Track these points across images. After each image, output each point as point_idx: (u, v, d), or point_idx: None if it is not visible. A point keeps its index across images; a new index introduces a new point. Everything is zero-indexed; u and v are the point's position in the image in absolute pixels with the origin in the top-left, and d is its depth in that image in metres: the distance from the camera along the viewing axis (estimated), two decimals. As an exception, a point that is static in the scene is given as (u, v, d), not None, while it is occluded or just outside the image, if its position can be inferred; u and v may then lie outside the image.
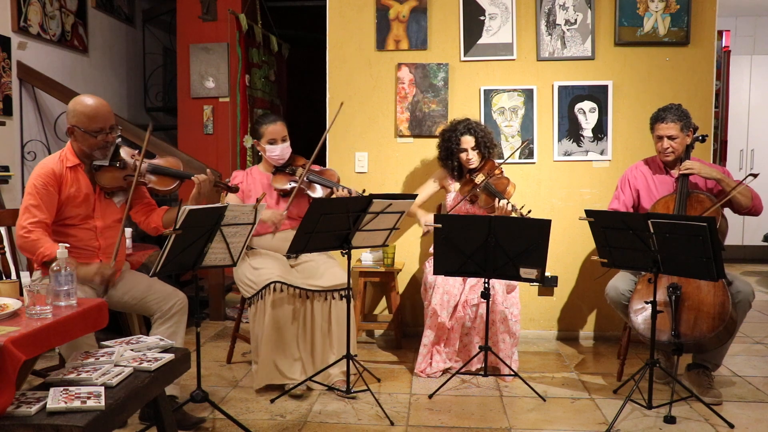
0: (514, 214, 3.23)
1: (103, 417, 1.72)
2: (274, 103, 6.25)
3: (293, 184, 3.22)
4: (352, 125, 4.01)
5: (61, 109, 4.65)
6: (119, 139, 2.74)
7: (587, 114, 3.90)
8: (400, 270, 3.96)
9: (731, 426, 2.66)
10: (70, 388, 1.81)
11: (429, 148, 3.87)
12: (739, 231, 6.53)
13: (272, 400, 2.94)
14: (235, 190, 2.94)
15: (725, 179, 3.05)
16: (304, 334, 3.05)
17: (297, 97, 7.25)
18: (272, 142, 3.24)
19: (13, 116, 4.38)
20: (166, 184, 2.79)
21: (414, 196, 3.09)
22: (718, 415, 2.72)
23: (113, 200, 2.76)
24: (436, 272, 3.09)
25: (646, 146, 3.67)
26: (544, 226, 2.87)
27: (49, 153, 4.44)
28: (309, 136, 5.96)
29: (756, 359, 3.61)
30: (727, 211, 3.14)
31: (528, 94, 3.91)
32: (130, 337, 2.28)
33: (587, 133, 3.91)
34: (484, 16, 3.90)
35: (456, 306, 3.26)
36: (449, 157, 3.52)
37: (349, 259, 2.96)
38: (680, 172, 3.09)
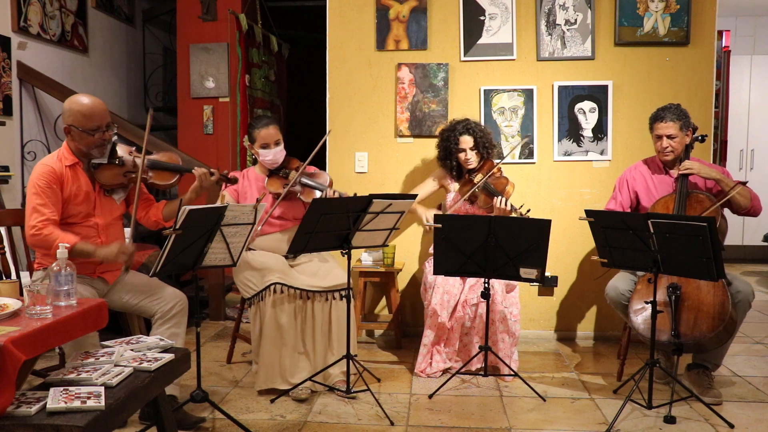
0: (513, 214, 3.23)
1: (103, 417, 1.72)
2: (274, 103, 6.25)
3: (286, 188, 3.21)
4: (352, 125, 4.01)
5: (61, 109, 4.63)
6: (115, 137, 2.74)
7: (587, 114, 3.90)
8: (400, 270, 3.95)
9: (731, 426, 2.66)
10: (70, 388, 1.81)
11: (429, 148, 3.87)
12: (739, 231, 6.53)
13: (272, 400, 2.94)
14: (234, 181, 2.95)
15: (724, 179, 3.05)
16: (304, 335, 3.05)
17: (297, 97, 7.25)
18: (265, 146, 3.22)
19: (13, 116, 4.38)
20: (165, 179, 2.80)
21: (414, 196, 3.10)
22: (718, 415, 2.72)
23: (113, 197, 2.77)
24: (436, 272, 3.09)
25: (646, 146, 3.67)
26: (544, 226, 2.87)
27: (49, 153, 4.44)
28: (309, 135, 5.97)
29: (756, 359, 3.61)
30: (726, 212, 3.14)
31: (528, 94, 3.91)
32: (130, 337, 2.28)
33: (587, 133, 3.91)
34: (484, 16, 3.90)
35: (456, 306, 3.26)
36: (448, 157, 3.53)
37: (349, 259, 2.96)
38: (679, 172, 3.09)
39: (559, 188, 3.95)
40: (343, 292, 3.07)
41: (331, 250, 3.03)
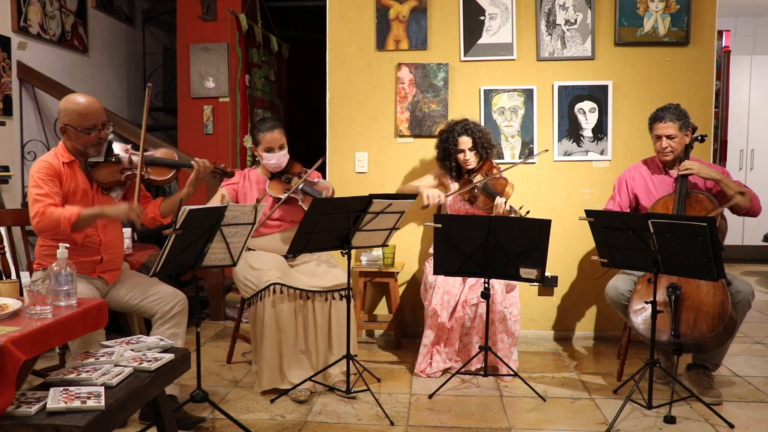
0: (512, 215, 3.23)
1: (103, 417, 1.72)
2: (274, 103, 6.25)
3: (287, 194, 3.20)
4: (352, 125, 4.01)
5: (61, 109, 4.65)
6: (111, 135, 2.75)
7: (587, 114, 3.90)
8: (400, 270, 3.95)
9: (731, 426, 2.66)
10: (70, 388, 1.81)
11: (429, 148, 3.87)
12: (739, 231, 6.53)
13: (272, 400, 2.94)
14: (231, 174, 2.94)
15: (724, 180, 3.05)
16: (305, 335, 3.05)
17: (297, 97, 7.25)
18: (269, 150, 3.21)
19: (13, 116, 4.38)
20: (162, 174, 2.80)
21: (414, 197, 3.10)
22: (718, 415, 2.72)
23: (111, 195, 2.77)
24: (436, 272, 3.09)
25: (646, 146, 3.67)
26: (544, 226, 2.87)
27: (49, 153, 4.44)
28: (309, 135, 5.97)
29: (756, 359, 3.61)
30: (726, 212, 3.14)
31: (528, 94, 3.91)
32: (130, 337, 2.28)
33: (587, 133, 3.91)
34: (484, 16, 3.90)
35: (456, 306, 3.26)
36: (447, 158, 3.53)
37: (349, 259, 2.96)
38: (679, 173, 3.09)
39: (559, 188, 3.95)
40: (343, 292, 3.07)
41: (331, 250, 3.03)
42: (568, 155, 3.93)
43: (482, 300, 3.14)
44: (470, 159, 3.46)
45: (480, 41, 3.91)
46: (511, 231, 2.92)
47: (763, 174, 6.47)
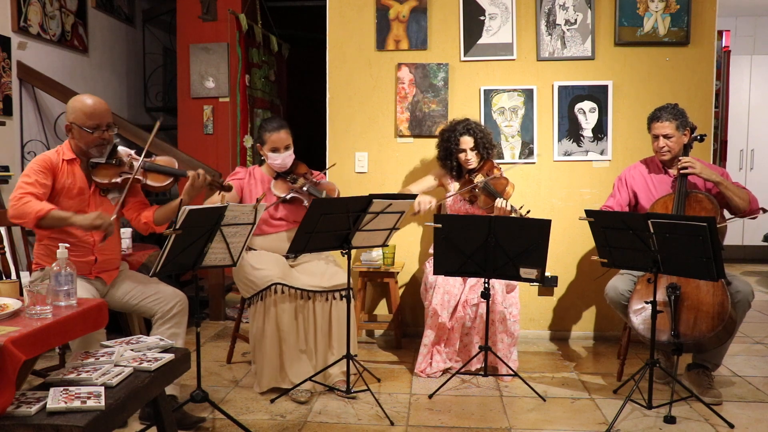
0: (513, 215, 3.23)
1: (103, 417, 1.72)
2: (274, 103, 6.25)
3: (292, 194, 3.20)
4: (352, 125, 4.01)
5: (61, 109, 4.65)
6: (117, 139, 2.76)
7: (587, 114, 3.90)
8: (400, 270, 3.95)
9: (731, 426, 2.66)
10: (70, 388, 1.81)
11: (429, 148, 3.87)
12: (739, 231, 6.53)
13: (272, 400, 2.94)
14: (228, 189, 2.90)
15: (724, 182, 3.05)
16: (305, 335, 3.05)
17: (297, 97, 7.26)
18: (275, 150, 3.21)
19: (13, 116, 4.38)
20: (159, 181, 2.80)
21: (414, 196, 3.10)
22: (718, 415, 2.72)
23: (108, 197, 2.78)
24: (436, 272, 3.09)
25: (646, 146, 3.66)
26: (544, 226, 2.87)
27: (49, 153, 4.44)
28: (309, 135, 5.97)
29: (756, 359, 3.61)
30: (726, 212, 3.14)
31: (528, 94, 3.91)
32: (130, 337, 2.28)
33: (587, 133, 3.91)
34: (484, 16, 3.90)
35: (456, 306, 3.26)
36: (448, 157, 3.53)
37: (349, 259, 2.96)
38: (679, 166, 3.08)
39: (559, 188, 3.95)
40: (343, 292, 3.07)
41: (331, 250, 3.03)
42: (568, 155, 3.93)
43: (482, 300, 3.14)
44: (471, 159, 3.46)
45: (480, 41, 3.91)
46: (511, 231, 2.92)
47: (763, 174, 6.47)
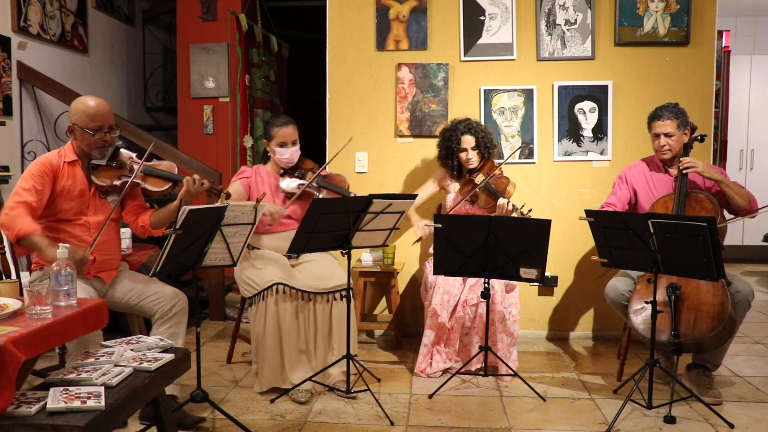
0: (514, 214, 3.23)
1: (103, 417, 1.72)
2: (274, 103, 6.25)
3: (302, 187, 3.21)
4: (352, 125, 4.01)
5: (61, 109, 4.66)
6: (119, 142, 2.77)
7: (587, 114, 3.90)
8: (400, 270, 3.95)
9: (731, 426, 2.66)
10: (70, 388, 1.81)
11: (429, 148, 3.87)
12: (739, 231, 6.53)
13: (272, 400, 2.94)
14: (228, 195, 2.88)
15: (725, 181, 3.05)
16: (305, 335, 3.05)
17: (297, 97, 7.25)
18: (283, 145, 3.24)
19: (13, 116, 4.38)
20: (158, 186, 2.81)
21: (414, 196, 3.10)
22: (718, 415, 2.72)
23: (107, 200, 2.78)
24: (436, 272, 3.09)
25: (646, 146, 3.66)
26: (544, 226, 2.87)
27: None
28: (309, 135, 5.96)
29: (756, 359, 3.61)
30: (725, 212, 3.14)
31: (528, 94, 3.91)
32: (130, 337, 2.28)
33: (587, 133, 3.91)
34: (484, 16, 3.90)
35: (456, 306, 3.26)
36: (449, 157, 3.52)
37: (349, 259, 2.96)
38: (681, 167, 3.08)
39: (559, 188, 3.95)
40: (343, 292, 3.07)
41: (331, 250, 3.03)
42: (568, 155, 3.93)
43: (482, 300, 3.14)
44: (472, 158, 3.46)
45: (480, 41, 3.91)
46: (511, 231, 2.92)
47: (763, 174, 6.47)
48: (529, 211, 3.20)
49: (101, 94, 5.34)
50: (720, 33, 6.20)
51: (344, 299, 3.06)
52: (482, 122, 3.85)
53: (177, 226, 2.32)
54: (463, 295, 3.28)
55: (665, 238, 2.55)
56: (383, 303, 4.14)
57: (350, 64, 4.00)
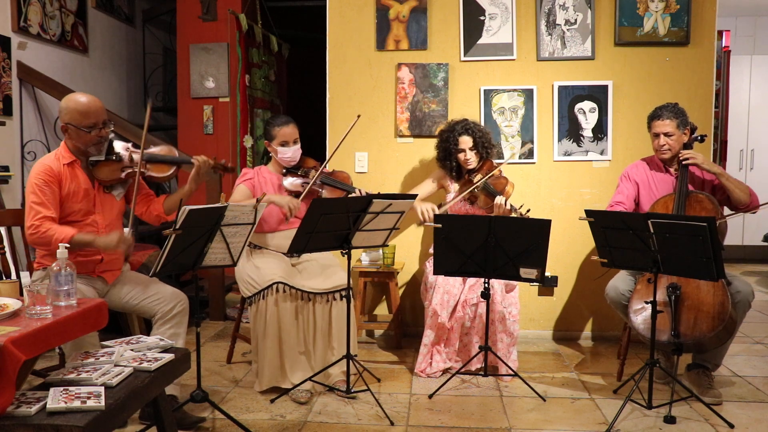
0: (513, 214, 3.23)
1: (103, 417, 1.72)
2: (274, 103, 6.25)
3: (306, 186, 3.21)
4: (352, 125, 4.01)
5: (61, 109, 4.65)
6: (112, 134, 2.76)
7: (587, 114, 3.90)
8: (400, 270, 3.95)
9: (731, 426, 2.66)
10: (70, 388, 1.81)
11: (429, 148, 3.87)
12: (739, 231, 6.53)
13: (272, 400, 2.94)
14: (232, 170, 2.94)
15: (725, 174, 3.07)
16: (304, 335, 3.05)
17: (297, 97, 7.25)
18: (284, 144, 3.25)
19: (13, 116, 4.38)
20: (163, 171, 2.81)
21: (414, 196, 3.09)
22: (718, 415, 2.72)
23: (113, 194, 2.78)
24: (436, 272, 3.09)
25: (646, 146, 3.66)
26: (544, 226, 2.87)
27: (49, 153, 4.44)
28: (309, 135, 5.96)
29: (756, 359, 3.61)
30: (726, 210, 3.14)
31: (528, 94, 3.91)
32: (130, 337, 2.28)
33: (587, 133, 3.91)
34: (484, 16, 3.90)
35: (456, 306, 3.26)
36: (447, 158, 3.53)
37: (349, 259, 2.96)
38: (681, 157, 3.09)
39: (559, 188, 3.95)
40: (343, 292, 3.07)
41: (331, 250, 3.03)
42: (568, 155, 3.93)
43: (482, 300, 3.14)
44: (471, 158, 3.46)
45: (480, 41, 3.91)
46: (511, 231, 2.92)
47: (763, 174, 6.47)
48: (528, 211, 3.20)
49: (101, 94, 5.35)
50: (720, 33, 6.20)
51: (344, 299, 3.06)
52: (482, 122, 3.85)
53: (177, 226, 2.32)
54: (463, 295, 3.28)
55: (665, 238, 2.55)
56: (383, 303, 4.14)
57: (350, 64, 3.99)
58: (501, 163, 3.55)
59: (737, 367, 3.45)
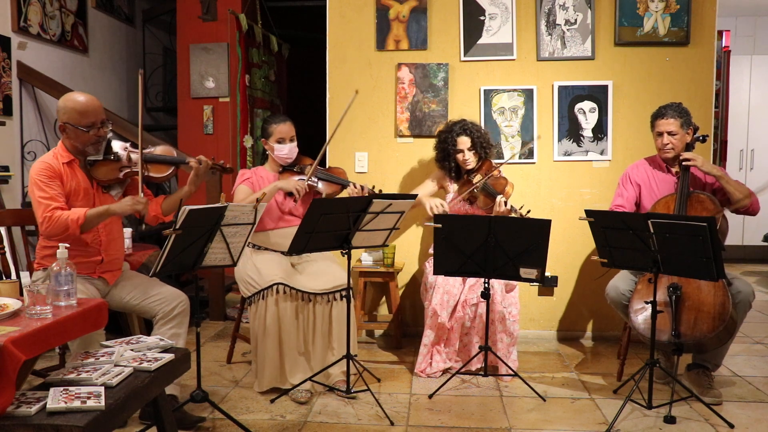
0: (512, 215, 3.23)
1: (103, 417, 1.72)
2: (274, 103, 6.25)
3: (304, 180, 3.22)
4: (352, 125, 4.01)
5: (61, 109, 4.65)
6: (110, 134, 2.75)
7: (587, 114, 3.90)
8: (400, 270, 3.95)
9: (731, 426, 2.66)
10: (70, 388, 1.81)
11: (429, 148, 3.87)
12: (739, 231, 6.53)
13: (272, 400, 2.94)
14: (230, 170, 2.95)
15: (725, 176, 3.06)
16: (304, 335, 3.05)
17: (297, 97, 7.25)
18: (281, 141, 3.26)
19: (13, 116, 4.38)
20: (161, 171, 2.81)
21: (414, 196, 3.10)
22: (718, 415, 2.72)
23: (110, 194, 2.77)
24: (436, 272, 3.09)
25: (647, 146, 3.67)
26: (544, 226, 2.87)
27: (49, 153, 4.44)
28: (309, 134, 5.96)
29: (756, 359, 3.61)
30: (726, 211, 3.14)
31: (528, 94, 3.91)
32: (130, 337, 2.28)
33: (587, 133, 3.91)
34: (484, 16, 3.90)
35: (456, 306, 3.26)
36: (446, 159, 3.53)
37: (349, 259, 2.96)
38: (681, 158, 3.09)
39: (559, 188, 3.95)
40: (343, 293, 3.07)
41: (331, 250, 3.03)
42: (568, 155, 3.93)
43: (482, 300, 3.14)
44: (469, 159, 3.46)
45: (480, 41, 3.91)
46: (511, 231, 2.92)
47: (763, 174, 6.47)
48: (528, 212, 3.20)
49: (101, 94, 5.35)
50: (720, 33, 6.20)
51: (344, 299, 3.07)
52: (482, 122, 3.85)
53: (177, 226, 2.32)
54: (463, 295, 3.28)
55: (665, 238, 2.55)
56: (383, 303, 4.14)
57: (350, 64, 3.99)
58: (500, 164, 3.55)
59: (737, 367, 3.45)
